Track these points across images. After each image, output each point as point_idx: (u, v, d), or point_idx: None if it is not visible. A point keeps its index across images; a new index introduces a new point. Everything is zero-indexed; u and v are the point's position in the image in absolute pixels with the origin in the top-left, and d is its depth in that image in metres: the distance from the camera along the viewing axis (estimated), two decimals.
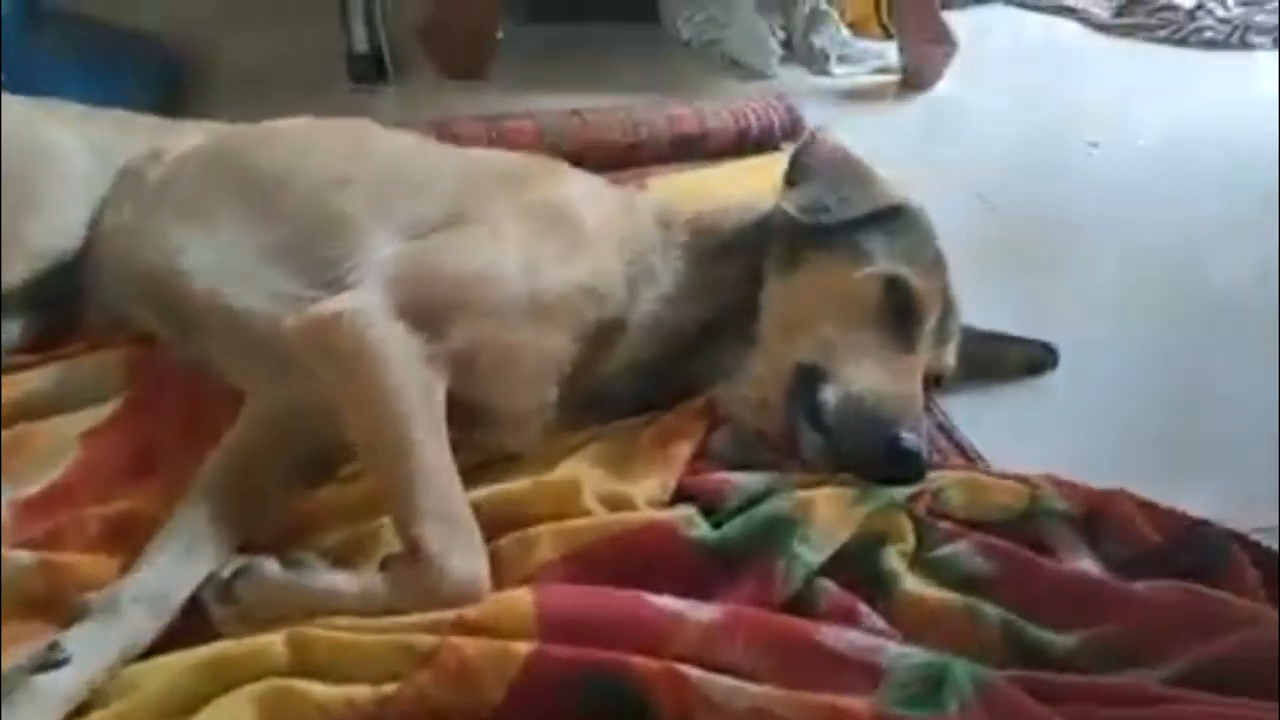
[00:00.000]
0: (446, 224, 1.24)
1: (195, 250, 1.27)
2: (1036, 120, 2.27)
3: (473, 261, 1.17)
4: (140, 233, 1.32)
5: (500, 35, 2.45)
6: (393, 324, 1.10)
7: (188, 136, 1.47)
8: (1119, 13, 2.84)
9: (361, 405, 1.08)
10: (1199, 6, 2.76)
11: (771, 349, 1.22)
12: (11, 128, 1.40)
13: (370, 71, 2.36)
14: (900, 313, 1.19)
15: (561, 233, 1.23)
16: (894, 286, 1.19)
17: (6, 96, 1.53)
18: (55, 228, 1.34)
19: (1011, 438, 1.31)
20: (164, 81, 2.21)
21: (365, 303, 1.12)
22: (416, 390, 1.08)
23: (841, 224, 1.23)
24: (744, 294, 1.26)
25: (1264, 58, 2.65)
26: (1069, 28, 2.87)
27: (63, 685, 0.90)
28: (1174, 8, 2.76)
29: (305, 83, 2.35)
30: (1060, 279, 1.70)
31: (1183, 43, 2.70)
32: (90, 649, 0.93)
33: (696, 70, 2.53)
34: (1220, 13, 2.72)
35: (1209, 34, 2.67)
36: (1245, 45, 2.66)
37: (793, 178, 1.27)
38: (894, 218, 1.25)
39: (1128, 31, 2.77)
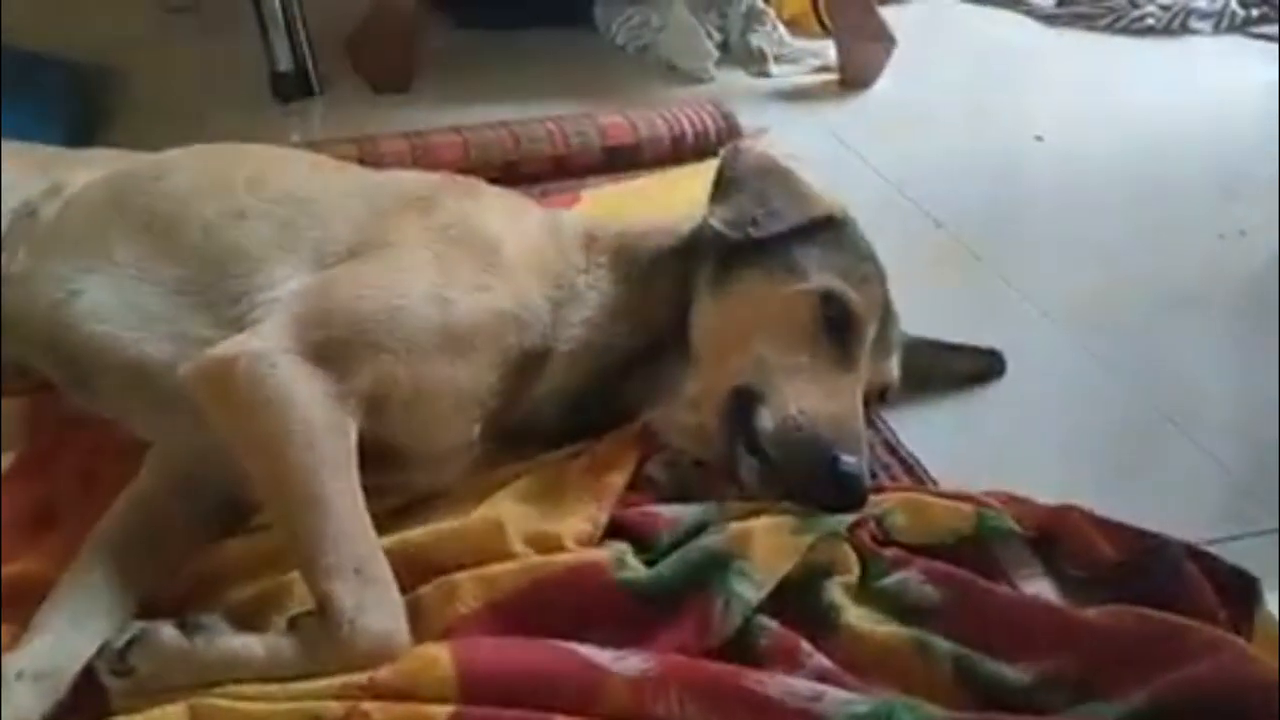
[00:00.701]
0: (354, 253, 1.17)
1: (91, 292, 1.19)
2: (979, 115, 2.23)
3: (379, 292, 1.09)
4: (35, 277, 1.23)
5: (423, 46, 2.39)
6: (297, 365, 1.02)
7: (91, 168, 1.39)
8: (1061, 3, 2.81)
9: (264, 453, 1.00)
10: None
11: (705, 371, 1.16)
12: None
13: (295, 89, 2.28)
14: (837, 328, 1.14)
15: (476, 256, 1.16)
16: (829, 301, 1.14)
17: None
18: None
19: (961, 448, 1.27)
20: (74, 107, 2.12)
21: (264, 343, 1.04)
22: (324, 435, 1.00)
23: (771, 237, 1.17)
24: (674, 314, 1.20)
25: (1205, 43, 2.64)
26: (1011, 19, 2.84)
27: None
28: None
29: (230, 102, 2.28)
30: (1006, 279, 1.66)
31: (1124, 31, 2.67)
32: None
33: (632, 76, 2.47)
34: (1162, 0, 2.69)
35: (1150, 21, 2.65)
36: (1186, 30, 2.65)
37: (719, 191, 1.21)
38: (826, 229, 1.20)
39: (1070, 22, 2.74)
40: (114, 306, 1.18)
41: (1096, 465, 1.26)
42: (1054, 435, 1.32)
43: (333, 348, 1.04)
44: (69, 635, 0.94)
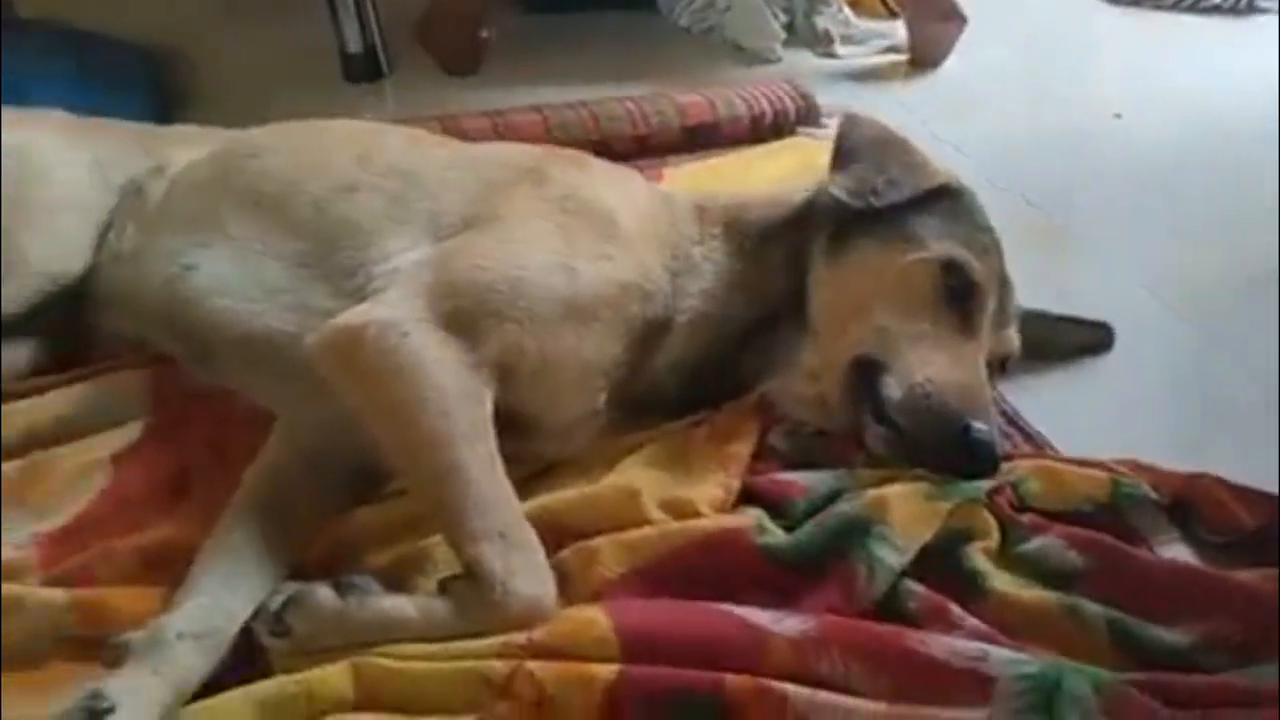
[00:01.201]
0: (469, 224, 1.17)
1: (207, 267, 1.20)
2: (1051, 94, 2.22)
3: (505, 263, 1.09)
4: (148, 253, 1.25)
5: (491, 29, 2.39)
6: (429, 333, 1.03)
7: (188, 145, 1.40)
8: None
9: (398, 422, 1.01)
10: None
11: (824, 342, 1.16)
12: (6, 140, 1.33)
13: (365, 70, 2.29)
14: (960, 297, 1.14)
15: (595, 227, 1.16)
16: (951, 270, 1.14)
17: None
18: (59, 249, 1.27)
19: (1070, 419, 1.27)
20: (149, 88, 2.13)
21: (395, 312, 1.05)
22: (460, 402, 1.01)
23: (890, 207, 1.17)
24: (789, 285, 1.20)
25: (1270, 22, 2.62)
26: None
27: None
28: None
29: (299, 82, 2.28)
30: (1090, 256, 1.65)
31: (1190, 9, 2.66)
32: (136, 695, 0.86)
33: (696, 56, 2.46)
34: None
35: (1216, 0, 2.63)
36: (1253, 10, 2.63)
37: (838, 160, 1.21)
38: (944, 199, 1.20)
39: (1136, 1, 2.72)
40: (233, 280, 1.19)
41: (1204, 435, 1.26)
42: (1159, 406, 1.32)
43: (462, 317, 1.05)
44: (223, 596, 0.95)
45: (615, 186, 1.26)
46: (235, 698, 0.87)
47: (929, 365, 1.09)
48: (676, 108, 1.94)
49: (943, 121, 2.08)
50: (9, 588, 0.98)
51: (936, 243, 1.15)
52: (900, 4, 2.38)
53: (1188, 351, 1.43)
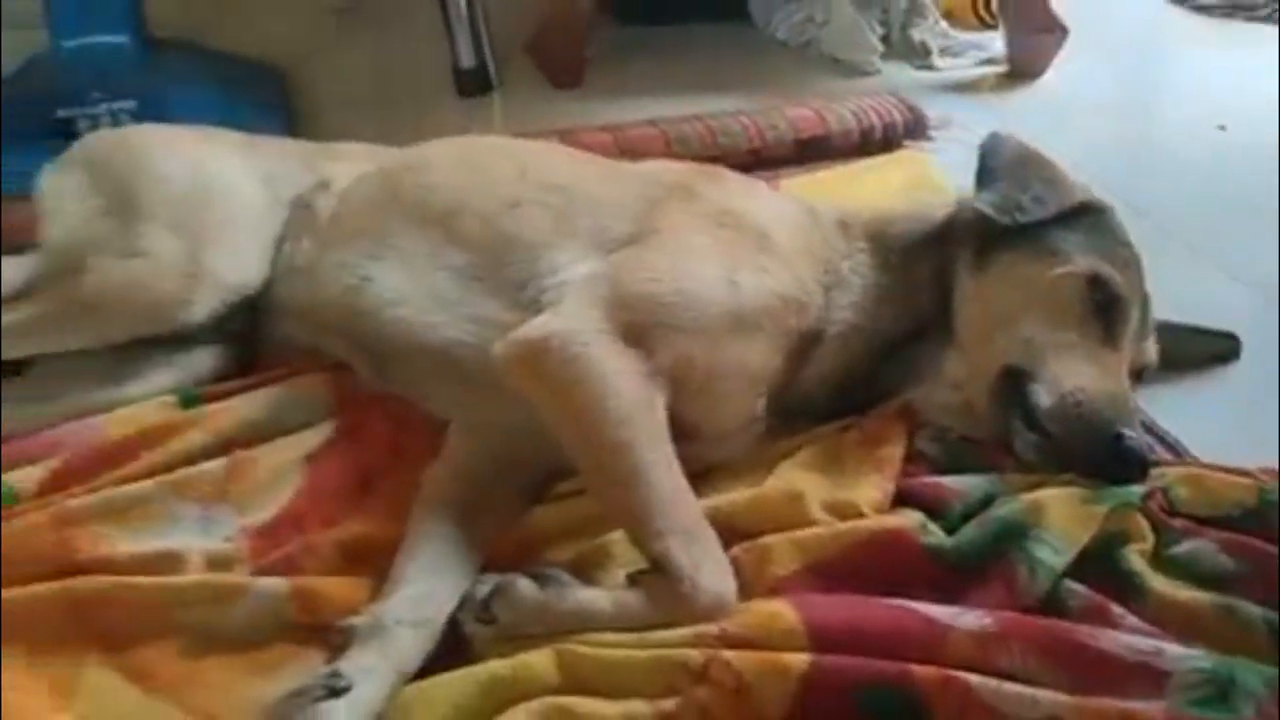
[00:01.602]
0: (631, 239, 1.25)
1: (383, 280, 1.28)
2: (1149, 104, 2.26)
3: (671, 276, 1.16)
4: (323, 265, 1.34)
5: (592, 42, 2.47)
6: (608, 344, 1.10)
7: (345, 160, 1.49)
8: None
9: (583, 428, 1.08)
10: None
11: (971, 352, 1.22)
12: (184, 157, 1.42)
13: (476, 85, 2.38)
14: (1104, 310, 1.19)
15: (751, 242, 1.23)
16: (1096, 284, 1.19)
17: (163, 126, 1.56)
18: (239, 261, 1.35)
19: (1202, 427, 1.31)
20: (277, 104, 2.23)
21: (574, 324, 1.12)
22: (639, 409, 1.08)
23: (1035, 223, 1.23)
24: (933, 298, 1.26)
25: None
26: (1166, 9, 2.85)
27: (351, 712, 0.91)
28: None
29: (413, 97, 2.38)
30: (1219, 265, 1.69)
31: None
32: (368, 675, 0.94)
33: (791, 68, 2.53)
34: None
35: None
36: None
37: (983, 177, 1.27)
38: (1086, 214, 1.26)
39: (1229, 12, 2.75)
40: (408, 291, 1.27)
41: None
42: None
43: (637, 329, 1.12)
44: (431, 587, 1.03)
45: (761, 201, 1.33)
46: (456, 678, 0.95)
47: (1078, 375, 1.15)
48: (789, 122, 2.00)
49: (1042, 133, 2.12)
50: (235, 578, 1.06)
51: (1082, 257, 1.20)
52: (1000, 16, 2.42)
53: None
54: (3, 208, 1.70)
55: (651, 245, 1.23)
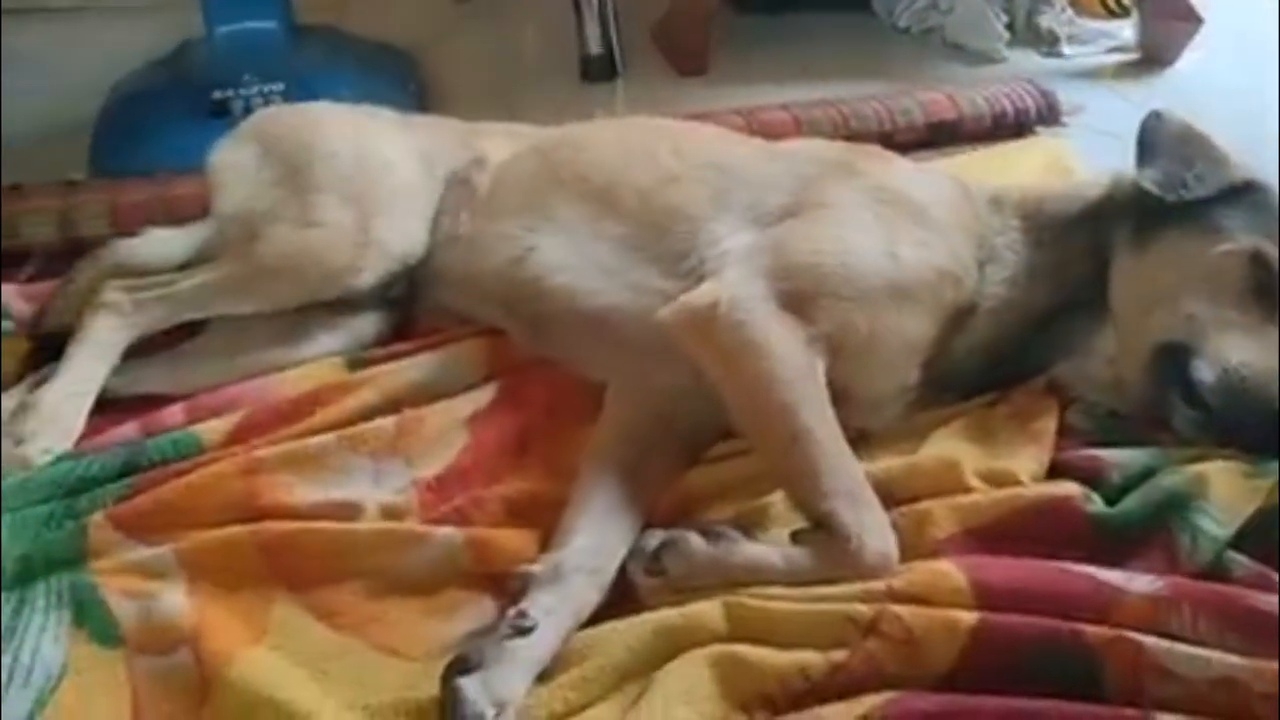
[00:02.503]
0: (788, 213, 1.28)
1: (545, 251, 1.33)
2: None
3: (834, 247, 1.20)
4: (484, 238, 1.39)
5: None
6: (771, 311, 1.14)
7: (496, 139, 1.55)
8: None
9: (751, 391, 1.12)
10: None
11: (1126, 328, 1.22)
12: (351, 135, 1.49)
13: (602, 70, 2.43)
14: (1265, 288, 1.18)
15: (911, 217, 1.25)
16: (1258, 261, 1.18)
17: (329, 105, 1.63)
18: (404, 232, 1.42)
19: None
20: (412, 85, 2.31)
21: (738, 291, 1.16)
22: (802, 373, 1.12)
23: (1197, 200, 1.23)
24: (1086, 274, 1.27)
25: None
26: None
27: (534, 650, 0.97)
28: None
29: (539, 81, 2.44)
30: None
31: None
32: (550, 616, 0.99)
33: (916, 56, 2.53)
34: None
35: None
36: None
37: (1144, 155, 1.27)
38: (1248, 193, 1.25)
39: None
40: (571, 261, 1.32)
41: None
42: None
43: (798, 297, 1.16)
44: (602, 539, 1.08)
45: (919, 179, 1.35)
46: (630, 624, 0.99)
47: (1241, 351, 1.14)
48: (920, 105, 2.01)
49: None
50: (413, 526, 1.12)
51: (1244, 235, 1.20)
52: (1134, 3, 2.39)
53: None
54: (165, 183, 1.81)
55: (813, 218, 1.26)
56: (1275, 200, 1.26)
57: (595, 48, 2.42)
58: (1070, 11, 2.53)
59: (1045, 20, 2.48)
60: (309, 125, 1.52)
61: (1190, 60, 2.36)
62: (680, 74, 2.44)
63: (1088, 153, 1.89)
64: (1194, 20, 2.29)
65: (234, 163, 1.49)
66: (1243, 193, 1.24)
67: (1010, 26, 2.53)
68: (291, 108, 1.69)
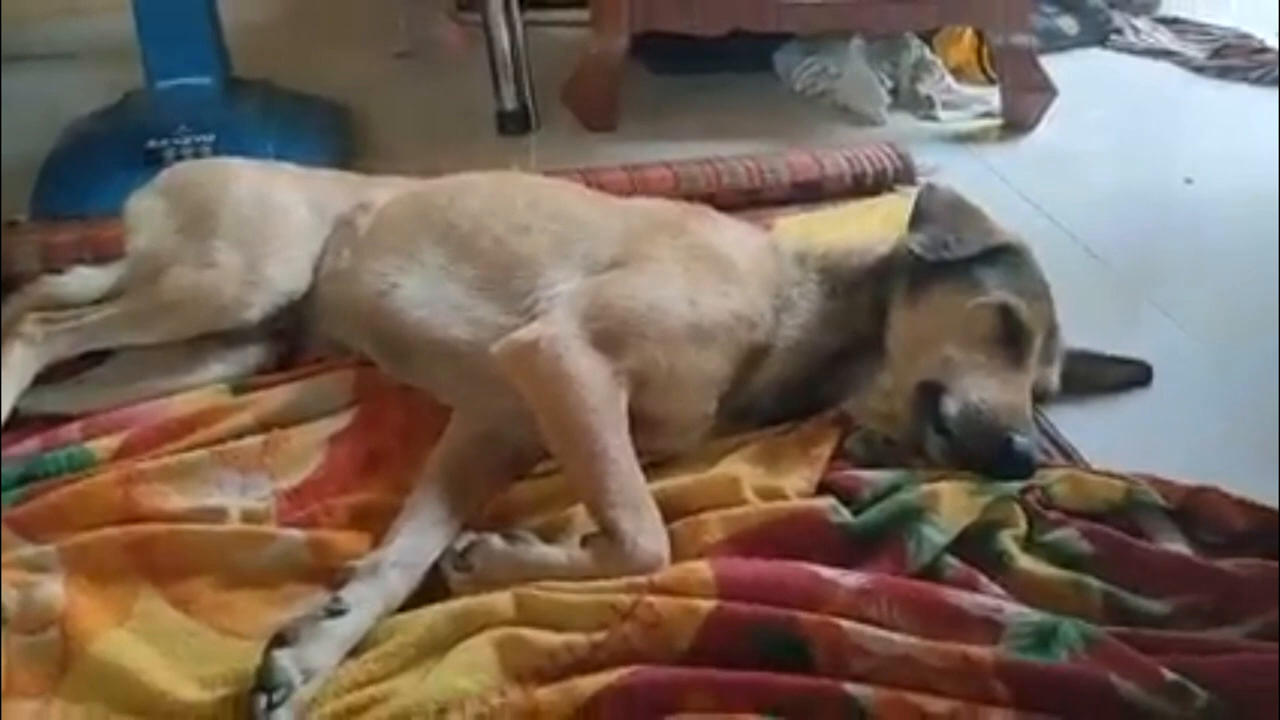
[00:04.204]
0: (616, 263, 1.48)
1: (407, 288, 1.52)
2: (1132, 159, 2.44)
3: (645, 295, 1.39)
4: (357, 273, 1.58)
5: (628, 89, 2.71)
6: (583, 348, 1.33)
7: (383, 188, 1.74)
8: (1213, 55, 2.99)
9: (559, 415, 1.31)
10: None
11: (898, 368, 1.42)
12: (249, 186, 1.69)
13: (517, 125, 2.63)
14: (1011, 336, 1.38)
15: (717, 270, 1.45)
16: (1005, 313, 1.38)
17: (234, 160, 1.83)
18: (290, 271, 1.60)
19: (1109, 445, 1.48)
20: (338, 138, 2.50)
21: (558, 329, 1.36)
22: (605, 402, 1.31)
23: (959, 260, 1.43)
24: (870, 322, 1.46)
25: None
26: (1164, 69, 3.02)
27: (345, 630, 1.14)
28: (1266, 50, 2.90)
29: (458, 135, 2.63)
30: (1156, 305, 1.87)
31: (1275, 83, 2.83)
32: (364, 603, 1.17)
33: (809, 118, 2.73)
34: None
35: None
36: None
37: (916, 220, 1.47)
38: (1004, 254, 1.45)
39: (1221, 73, 2.91)
40: (426, 298, 1.51)
41: (1232, 467, 1.47)
42: (1192, 439, 1.52)
43: (609, 336, 1.35)
44: (421, 540, 1.26)
45: (733, 238, 1.55)
46: (432, 609, 1.17)
47: (983, 389, 1.34)
48: (787, 165, 2.21)
49: (1029, 182, 2.32)
50: (264, 528, 1.30)
51: (996, 290, 1.39)
52: (998, 74, 2.62)
53: (1216, 386, 1.64)
54: (96, 225, 1.99)
55: (632, 268, 1.46)
56: (1029, 260, 1.46)
57: (510, 104, 2.62)
58: (949, 79, 2.75)
59: (924, 86, 2.70)
60: (214, 178, 1.71)
61: (1056, 126, 2.59)
62: (589, 130, 2.64)
63: None
64: (1049, 92, 2.51)
65: (147, 209, 1.68)
66: (999, 254, 1.44)
67: (895, 91, 2.74)
68: (202, 162, 1.89)
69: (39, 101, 2.59)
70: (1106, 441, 1.48)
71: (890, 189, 2.23)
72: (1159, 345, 1.68)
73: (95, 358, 1.61)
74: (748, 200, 2.16)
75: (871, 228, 2.01)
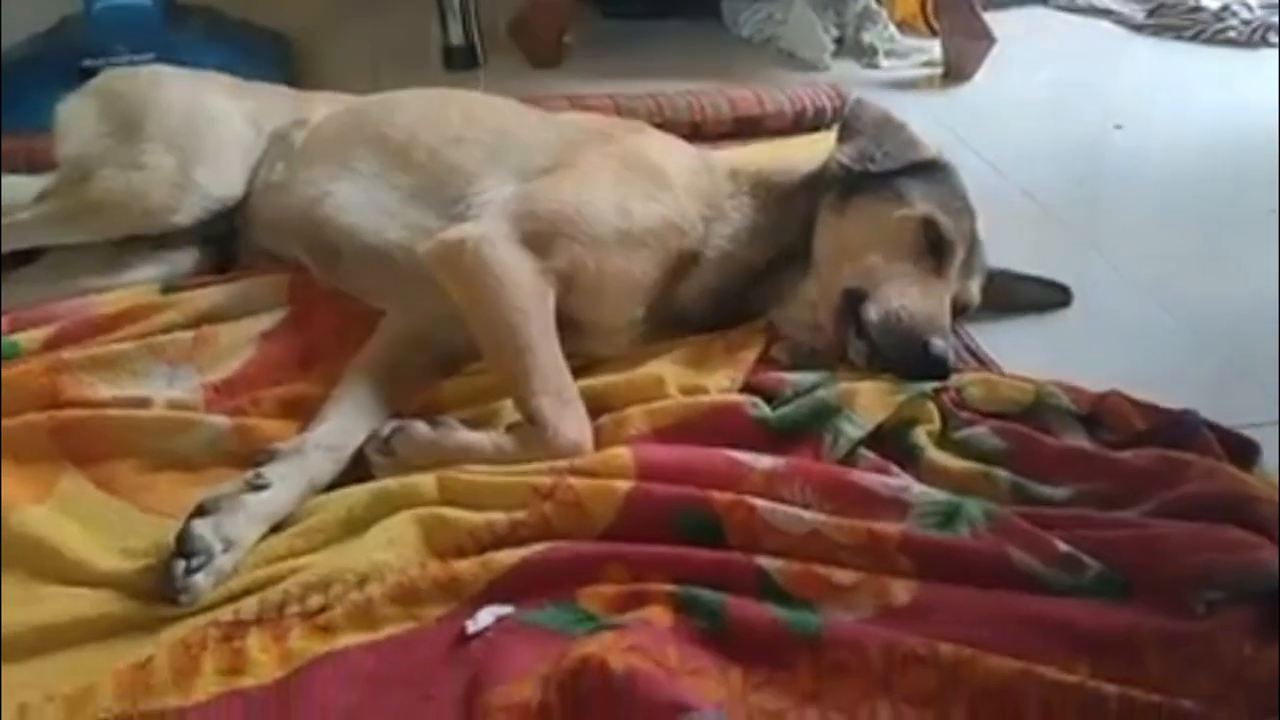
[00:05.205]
0: (548, 172, 1.49)
1: (340, 195, 1.53)
2: (1066, 108, 2.49)
3: (575, 198, 1.41)
4: (293, 184, 1.58)
5: (573, 31, 2.72)
6: (511, 247, 1.35)
7: (318, 104, 1.74)
8: (1150, 14, 3.05)
9: (487, 310, 1.32)
10: (1224, 9, 2.97)
11: (824, 277, 1.45)
12: (183, 93, 1.68)
13: (464, 60, 2.63)
14: (933, 247, 1.41)
15: (647, 177, 1.47)
16: (928, 225, 1.41)
17: (170, 68, 1.81)
18: (222, 178, 1.60)
19: (1028, 361, 1.52)
20: (283, 68, 2.49)
21: (486, 230, 1.37)
22: (532, 297, 1.33)
23: (885, 173, 1.46)
24: (799, 235, 1.49)
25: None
26: (1104, 27, 3.08)
27: (266, 504, 1.16)
28: (1201, 9, 2.96)
29: (405, 69, 2.63)
30: (1083, 240, 1.92)
31: (1209, 41, 2.90)
32: (286, 480, 1.18)
33: (754, 63, 2.76)
34: (1244, 15, 2.92)
35: (1232, 34, 2.87)
36: (1266, 44, 2.86)
37: (844, 135, 1.50)
38: (929, 169, 1.48)
39: (1158, 31, 2.98)
40: (360, 204, 1.52)
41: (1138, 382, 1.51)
42: (1112, 362, 1.57)
43: (537, 237, 1.37)
44: (347, 425, 1.27)
45: (666, 149, 1.57)
46: (355, 489, 1.20)
47: (903, 296, 1.37)
48: (728, 100, 2.24)
49: (969, 129, 2.35)
50: (188, 414, 1.31)
51: (921, 203, 1.43)
52: (937, 23, 2.66)
53: (1143, 316, 1.69)
54: (28, 138, 1.97)
55: (562, 175, 1.47)
56: (954, 178, 1.50)
57: (456, 39, 2.62)
58: (893, 29, 2.78)
59: (868, 36, 2.73)
60: (146, 84, 1.70)
61: (987, 78, 2.63)
62: (534, 67, 2.65)
63: None
64: (988, 40, 2.55)
65: (77, 113, 1.67)
66: (925, 169, 1.48)
67: (840, 40, 2.78)
68: (133, 70, 1.86)
69: None
70: (1023, 355, 1.52)
71: (829, 128, 2.26)
72: (1082, 274, 1.73)
73: (23, 257, 1.60)
74: (689, 133, 2.15)
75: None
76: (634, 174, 1.47)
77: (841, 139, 1.50)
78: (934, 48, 2.71)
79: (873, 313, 1.37)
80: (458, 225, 1.41)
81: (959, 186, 1.50)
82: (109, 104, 1.67)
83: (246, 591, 1.08)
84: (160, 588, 1.07)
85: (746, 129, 2.22)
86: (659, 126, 2.05)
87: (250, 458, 1.26)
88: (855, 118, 1.52)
